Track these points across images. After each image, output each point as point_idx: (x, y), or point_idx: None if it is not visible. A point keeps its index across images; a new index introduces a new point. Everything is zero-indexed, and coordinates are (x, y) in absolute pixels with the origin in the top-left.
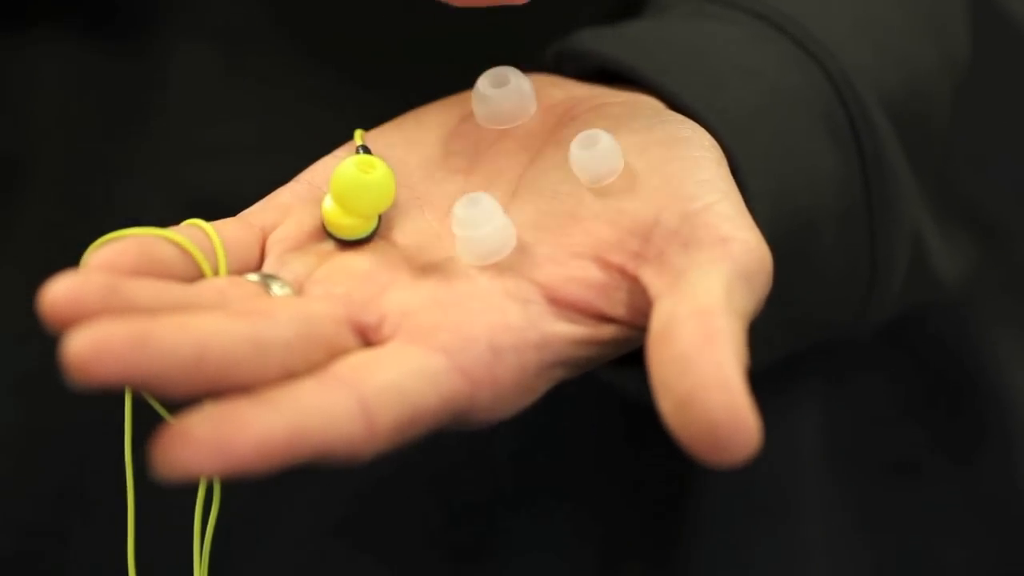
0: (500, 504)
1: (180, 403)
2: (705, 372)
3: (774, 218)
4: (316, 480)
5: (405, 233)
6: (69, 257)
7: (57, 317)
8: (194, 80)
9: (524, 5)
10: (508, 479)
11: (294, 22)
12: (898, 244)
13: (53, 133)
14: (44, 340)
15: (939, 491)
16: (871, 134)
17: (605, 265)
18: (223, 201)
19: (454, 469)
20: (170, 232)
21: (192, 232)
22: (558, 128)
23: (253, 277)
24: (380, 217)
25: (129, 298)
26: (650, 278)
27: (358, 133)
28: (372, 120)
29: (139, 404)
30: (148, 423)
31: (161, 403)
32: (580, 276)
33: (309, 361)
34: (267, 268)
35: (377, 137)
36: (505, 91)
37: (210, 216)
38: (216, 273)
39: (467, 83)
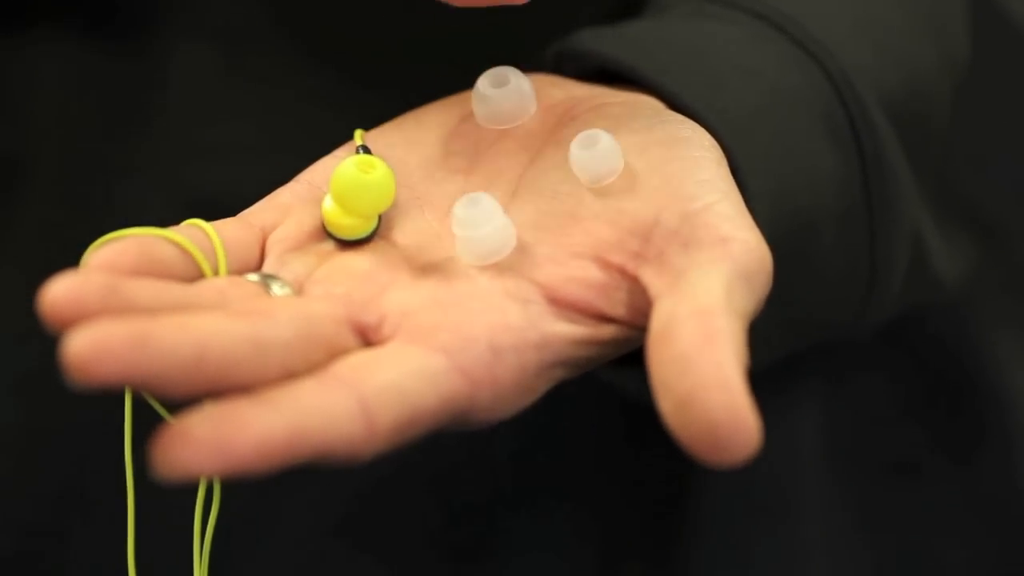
0: (500, 504)
1: (180, 403)
2: (705, 372)
3: (774, 218)
4: (316, 480)
5: (405, 233)
6: (69, 257)
7: (57, 317)
8: (194, 80)
9: (524, 5)
10: (508, 479)
11: (294, 22)
12: (898, 244)
13: (53, 133)
14: (44, 340)
15: (939, 491)
16: (871, 134)
17: (605, 265)
18: (223, 201)
19: (454, 469)
20: (170, 232)
21: (192, 232)
22: (558, 128)
23: (253, 277)
24: (380, 217)
25: (129, 298)
26: (650, 278)
27: (358, 133)
28: (372, 120)
29: (139, 404)
30: (148, 423)
31: (161, 403)
32: (580, 276)
33: (309, 361)
34: (267, 268)
35: (377, 137)
36: (505, 91)
37: (210, 216)
38: (216, 273)
39: (467, 83)
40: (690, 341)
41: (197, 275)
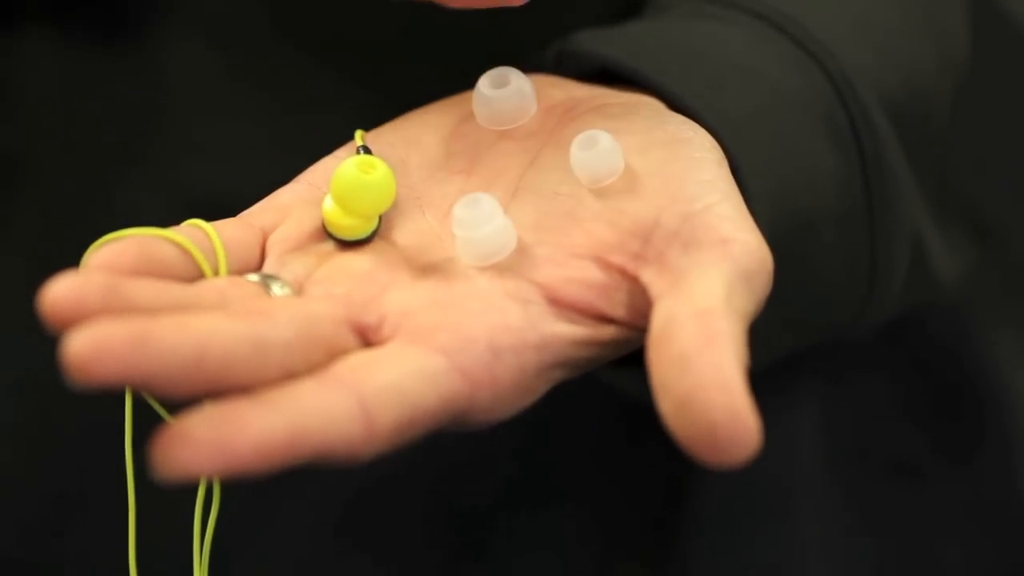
0: (500, 504)
1: (180, 404)
2: (705, 373)
3: (774, 218)
4: (316, 480)
5: (405, 234)
6: (69, 257)
7: (57, 317)
8: (194, 80)
9: (524, 5)
10: (508, 479)
11: (294, 22)
12: (898, 244)
13: (52, 133)
14: (45, 340)
15: (938, 492)
16: (871, 135)
17: (605, 266)
18: (223, 201)
19: (454, 469)
20: (170, 232)
21: (192, 232)
22: (558, 129)
23: (253, 277)
24: (380, 217)
25: (129, 298)
26: (650, 279)
27: (359, 133)
28: (373, 120)
29: (139, 404)
30: (149, 423)
31: (161, 403)
32: (580, 277)
33: (309, 361)
34: (267, 268)
35: (378, 137)
36: (506, 92)
37: (210, 216)
38: (216, 273)
39: (468, 84)
40: (690, 342)
41: (197, 275)
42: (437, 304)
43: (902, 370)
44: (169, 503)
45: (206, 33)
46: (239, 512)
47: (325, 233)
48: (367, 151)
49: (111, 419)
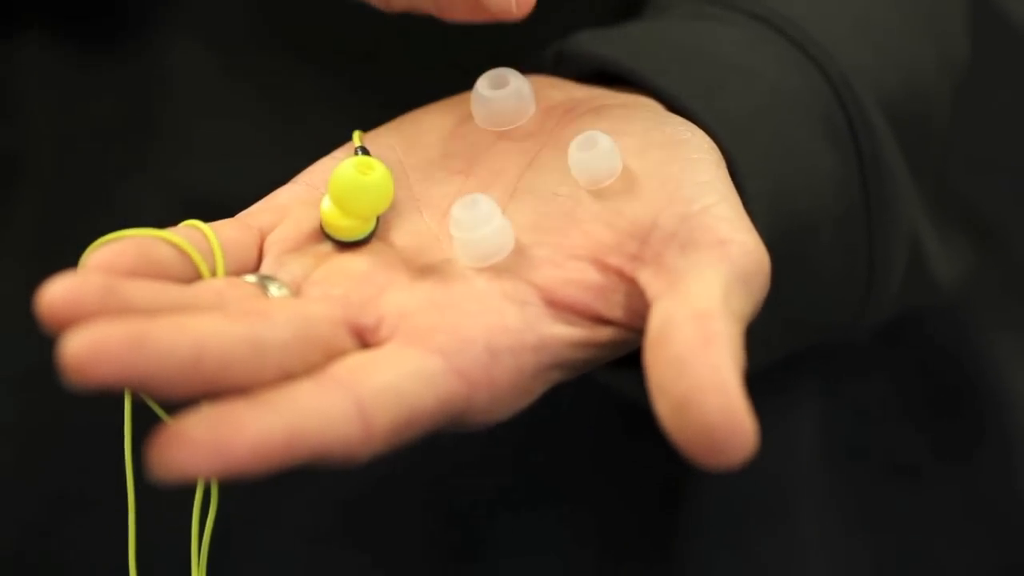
0: (498, 505)
1: (178, 404)
2: (702, 375)
3: (772, 219)
4: (315, 481)
5: (403, 235)
6: (68, 257)
7: (55, 318)
8: (192, 81)
9: None
10: (506, 480)
11: (292, 23)
12: (896, 245)
13: (51, 133)
14: (45, 340)
15: (937, 492)
16: (869, 135)
17: (603, 267)
18: (222, 202)
19: (452, 470)
20: (168, 233)
21: (190, 233)
22: (557, 130)
23: (251, 278)
24: (378, 218)
25: (127, 299)
26: (648, 280)
27: (357, 134)
28: (372, 121)
29: (140, 405)
30: (149, 424)
31: (159, 404)
32: (578, 278)
33: (306, 362)
34: (265, 269)
35: (376, 138)
36: (504, 93)
37: (209, 217)
38: (214, 274)
39: (466, 84)
40: (687, 343)
41: (195, 276)
42: (435, 305)
43: (902, 370)
44: (169, 503)
45: (205, 35)
46: (237, 513)
47: (323, 234)
48: (365, 152)
49: (111, 419)
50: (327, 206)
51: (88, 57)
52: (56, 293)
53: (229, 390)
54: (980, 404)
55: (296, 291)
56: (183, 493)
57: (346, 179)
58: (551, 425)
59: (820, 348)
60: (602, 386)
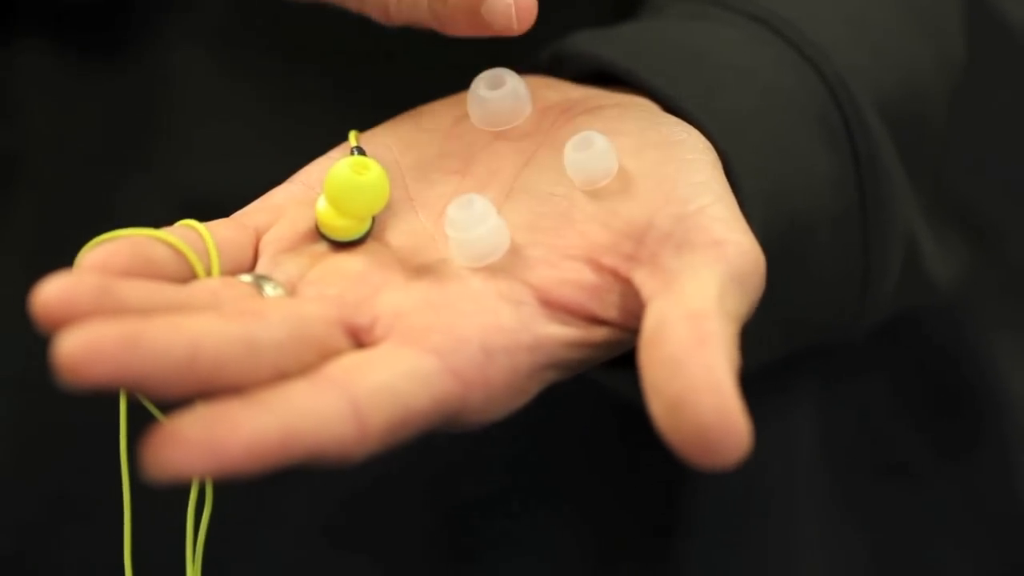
0: (495, 505)
1: (173, 404)
2: (696, 375)
3: (768, 219)
4: (312, 481)
5: (398, 234)
6: (69, 258)
7: (49, 318)
8: (191, 82)
9: None
10: (503, 480)
11: (290, 24)
12: (892, 245)
13: (51, 136)
14: (44, 341)
15: (936, 492)
16: (865, 135)
17: (598, 267)
18: (221, 202)
19: (449, 470)
20: (163, 233)
21: (186, 233)
22: (553, 130)
23: (246, 278)
24: (374, 218)
25: (121, 299)
26: (643, 280)
27: (353, 134)
28: (371, 122)
29: (138, 405)
30: (147, 424)
31: (155, 404)
32: (573, 278)
33: (301, 362)
34: (260, 269)
35: (372, 138)
36: (501, 93)
37: (207, 217)
38: (209, 274)
39: (463, 84)
40: (681, 344)
41: (190, 276)
42: (430, 305)
43: (900, 370)
44: (166, 503)
45: (203, 36)
46: (233, 513)
47: (318, 234)
48: (361, 152)
49: (111, 419)
50: (322, 206)
51: (87, 63)
52: (50, 293)
53: (224, 390)
54: (978, 404)
55: (291, 291)
56: (181, 493)
57: (341, 179)
58: (548, 425)
59: (818, 348)
60: (599, 386)
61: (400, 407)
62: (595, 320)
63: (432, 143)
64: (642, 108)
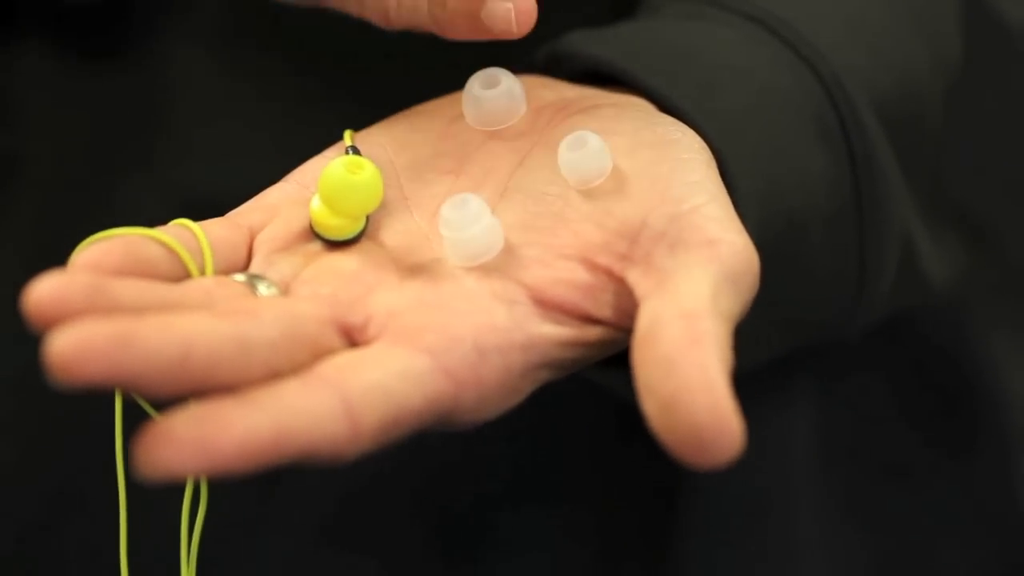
0: (495, 505)
1: (166, 403)
2: (689, 374)
3: (763, 218)
4: (308, 480)
5: (393, 234)
6: (68, 258)
7: (42, 316)
8: (189, 82)
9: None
10: (503, 479)
11: (287, 25)
12: (887, 244)
13: (50, 136)
14: (40, 339)
15: (934, 491)
16: (861, 135)
17: (592, 267)
18: (221, 202)
19: (449, 470)
20: (157, 232)
21: (179, 232)
22: (548, 129)
23: (240, 277)
24: (368, 218)
25: (114, 298)
26: (636, 279)
27: (348, 133)
28: (370, 122)
29: (136, 404)
30: (146, 423)
31: (148, 403)
32: (567, 278)
33: (294, 361)
34: (254, 268)
35: (367, 137)
36: (496, 92)
37: (207, 217)
38: (203, 273)
39: (458, 84)
40: (675, 343)
41: (184, 275)
42: (424, 304)
43: (898, 370)
44: (162, 502)
45: (201, 36)
46: (229, 512)
47: (312, 233)
48: (356, 151)
49: (110, 417)
50: (317, 205)
51: (88, 64)
52: (43, 291)
53: (216, 389)
54: (976, 403)
55: (285, 290)
56: (177, 491)
57: (335, 178)
58: (548, 424)
59: (815, 347)
60: (600, 386)
61: (393, 406)
62: (589, 319)
63: (427, 143)
64: (638, 108)
